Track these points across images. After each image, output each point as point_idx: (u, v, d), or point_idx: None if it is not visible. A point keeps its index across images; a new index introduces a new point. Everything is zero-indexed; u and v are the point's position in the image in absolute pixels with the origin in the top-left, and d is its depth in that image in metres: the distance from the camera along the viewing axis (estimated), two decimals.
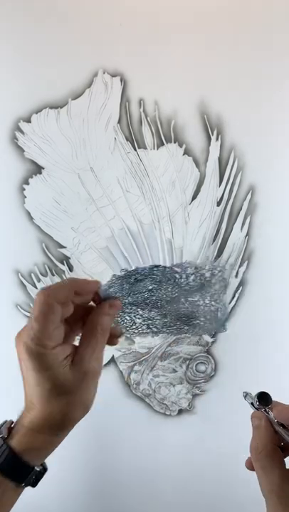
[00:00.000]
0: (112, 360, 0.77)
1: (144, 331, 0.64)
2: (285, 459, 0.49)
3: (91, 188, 0.75)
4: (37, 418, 0.49)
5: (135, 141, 0.75)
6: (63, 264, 0.76)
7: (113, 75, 0.75)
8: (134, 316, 0.62)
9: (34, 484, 0.51)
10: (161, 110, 0.75)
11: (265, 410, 0.50)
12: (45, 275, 0.77)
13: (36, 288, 0.77)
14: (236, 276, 0.76)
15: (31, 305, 0.77)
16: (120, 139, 0.75)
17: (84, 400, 0.51)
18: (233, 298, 0.76)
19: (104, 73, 0.75)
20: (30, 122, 0.75)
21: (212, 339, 0.76)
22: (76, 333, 0.55)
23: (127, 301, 0.60)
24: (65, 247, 0.76)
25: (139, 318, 0.62)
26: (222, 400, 0.77)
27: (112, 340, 0.58)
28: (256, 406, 0.51)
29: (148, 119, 0.75)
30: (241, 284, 0.76)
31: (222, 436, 0.76)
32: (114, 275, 0.59)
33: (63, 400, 0.50)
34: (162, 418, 0.78)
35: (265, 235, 0.76)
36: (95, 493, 0.79)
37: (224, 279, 0.68)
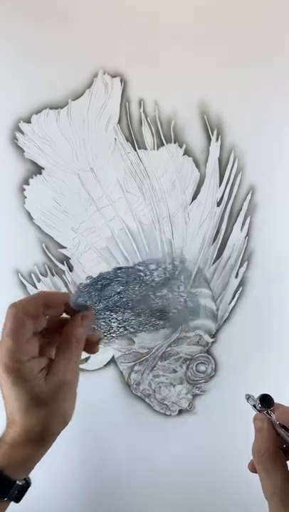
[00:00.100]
0: (112, 360, 0.77)
1: (122, 334, 0.64)
2: (288, 462, 0.50)
3: (91, 189, 0.75)
4: (17, 432, 0.50)
5: (135, 142, 0.75)
6: (63, 265, 0.76)
7: (113, 76, 0.75)
8: (110, 321, 0.62)
9: (17, 499, 0.51)
10: (161, 110, 0.75)
11: (267, 412, 0.50)
12: (45, 275, 0.77)
13: (36, 288, 0.77)
14: (236, 276, 0.76)
15: None
16: (120, 140, 0.75)
17: (61, 412, 0.52)
18: (233, 298, 0.76)
19: (104, 74, 0.75)
20: (30, 123, 0.75)
21: (212, 339, 0.77)
22: (53, 345, 0.56)
23: (98, 307, 0.60)
24: (65, 248, 0.76)
25: (114, 322, 0.63)
26: (222, 400, 0.77)
27: (91, 348, 0.60)
28: (258, 408, 0.51)
29: (148, 119, 0.75)
30: (241, 284, 0.76)
31: (222, 436, 0.76)
32: (80, 284, 0.59)
33: (41, 411, 0.50)
34: (162, 418, 0.78)
35: (265, 236, 0.76)
36: (95, 493, 0.79)
37: (186, 268, 0.68)
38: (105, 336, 0.64)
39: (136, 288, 0.63)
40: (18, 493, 0.51)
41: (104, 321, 0.62)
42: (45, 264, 0.76)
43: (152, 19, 0.75)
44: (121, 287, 0.61)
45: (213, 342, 0.77)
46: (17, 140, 0.76)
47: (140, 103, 0.75)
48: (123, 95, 0.75)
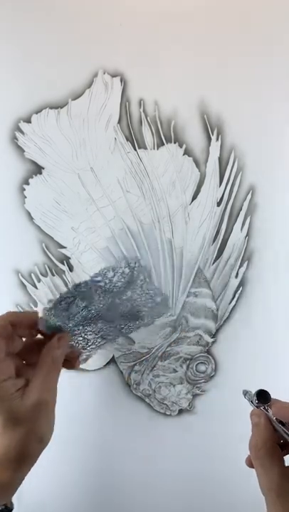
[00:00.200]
0: (113, 360, 0.78)
1: (102, 343, 0.66)
2: (285, 457, 0.51)
3: (91, 188, 0.77)
4: None
5: (135, 141, 0.77)
6: (63, 264, 0.78)
7: (113, 75, 0.76)
8: (85, 335, 0.64)
9: None
10: (161, 110, 0.77)
11: (264, 408, 0.52)
12: (45, 275, 0.78)
13: (36, 288, 0.78)
14: (236, 276, 0.78)
15: (31, 305, 0.79)
16: (120, 139, 0.77)
17: (38, 432, 0.54)
18: (233, 298, 0.78)
19: (104, 73, 0.76)
20: (30, 122, 0.77)
21: (212, 339, 0.78)
22: (32, 367, 0.59)
23: (70, 325, 0.62)
24: (65, 247, 0.78)
25: (90, 335, 0.65)
26: (222, 399, 0.78)
27: (72, 365, 0.64)
28: (255, 404, 0.53)
29: (148, 119, 0.77)
30: (241, 284, 0.78)
31: (222, 436, 0.78)
32: (44, 308, 0.61)
33: (18, 432, 0.52)
34: (162, 418, 0.79)
35: (265, 236, 0.78)
36: (94, 493, 0.80)
37: (144, 268, 0.70)
38: (85, 349, 0.66)
39: (100, 298, 0.65)
40: None
41: (80, 336, 0.64)
42: (46, 264, 0.78)
43: (152, 19, 0.76)
44: (85, 302, 0.63)
45: (213, 342, 0.78)
46: (17, 140, 0.77)
47: (140, 103, 0.77)
48: (123, 95, 0.77)
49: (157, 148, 0.77)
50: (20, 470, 0.53)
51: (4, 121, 0.78)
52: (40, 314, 0.62)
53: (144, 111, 0.77)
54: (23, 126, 0.77)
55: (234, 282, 0.78)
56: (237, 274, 0.78)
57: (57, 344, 0.60)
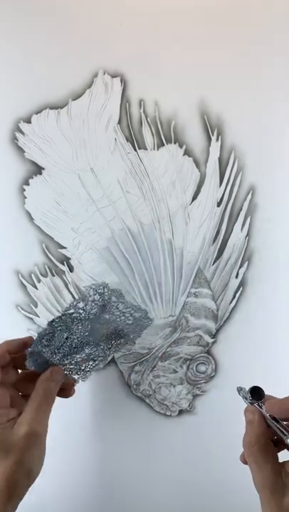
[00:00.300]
0: (113, 361, 0.80)
1: (94, 365, 0.69)
2: (279, 454, 0.54)
3: (91, 189, 0.79)
4: None
5: (135, 142, 0.79)
6: (64, 265, 0.80)
7: (113, 76, 0.79)
8: (76, 363, 0.67)
9: None
10: (161, 110, 0.79)
11: (258, 405, 0.55)
12: (45, 276, 0.80)
13: (36, 289, 0.80)
14: (237, 276, 0.80)
15: (31, 305, 0.81)
16: (120, 140, 0.79)
17: (26, 464, 0.55)
18: (233, 298, 0.80)
19: (104, 74, 0.79)
20: (30, 123, 0.79)
21: (212, 339, 0.81)
22: (27, 398, 0.61)
23: (58, 358, 0.65)
24: (65, 248, 0.80)
25: (81, 361, 0.68)
26: (222, 400, 0.80)
27: (66, 393, 0.66)
28: (249, 400, 0.55)
29: (148, 119, 0.79)
30: (241, 284, 0.80)
31: (222, 437, 0.79)
32: (27, 350, 0.64)
33: (6, 462, 0.54)
34: (163, 419, 0.81)
35: (266, 236, 0.80)
36: (94, 494, 0.82)
37: (113, 290, 0.73)
38: (79, 374, 0.68)
39: (79, 327, 0.67)
40: None
41: (72, 365, 0.67)
42: (46, 264, 0.80)
43: (152, 19, 0.79)
44: (65, 333, 0.66)
45: (213, 342, 0.81)
46: (17, 140, 0.80)
47: (140, 103, 0.79)
48: (123, 95, 0.79)
49: (157, 149, 0.79)
50: (10, 501, 0.54)
51: (4, 122, 0.80)
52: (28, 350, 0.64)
53: (144, 111, 0.79)
54: (23, 126, 0.80)
55: (234, 282, 0.81)
56: (237, 274, 0.80)
57: (50, 376, 0.62)
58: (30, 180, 0.80)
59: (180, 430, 0.82)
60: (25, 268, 0.81)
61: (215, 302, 0.81)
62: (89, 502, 0.82)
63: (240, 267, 0.81)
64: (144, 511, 0.82)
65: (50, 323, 0.67)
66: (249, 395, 0.56)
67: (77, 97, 0.80)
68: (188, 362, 0.81)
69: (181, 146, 0.80)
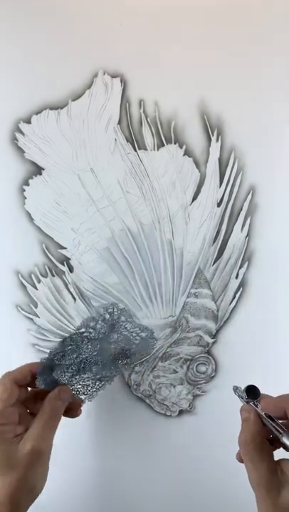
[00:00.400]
0: None
1: (101, 385, 0.71)
2: (274, 452, 0.56)
3: (91, 189, 0.81)
4: None
5: (135, 142, 0.81)
6: (64, 265, 0.82)
7: (113, 76, 0.81)
8: (84, 382, 0.70)
9: None
10: (161, 111, 0.81)
11: (254, 403, 0.57)
12: (45, 276, 0.82)
13: (36, 289, 0.82)
14: (237, 277, 0.82)
15: (31, 306, 0.82)
16: (120, 140, 0.81)
17: (29, 480, 0.57)
18: (233, 299, 0.82)
19: (104, 74, 0.81)
20: (30, 123, 0.81)
21: (213, 340, 0.82)
22: (34, 415, 0.64)
23: (66, 377, 0.68)
24: (65, 248, 0.82)
25: (88, 380, 0.70)
26: (222, 400, 0.82)
27: (73, 413, 0.69)
28: (245, 399, 0.57)
29: (148, 119, 0.81)
30: (242, 284, 0.82)
31: (222, 437, 0.80)
32: (38, 369, 0.67)
33: (10, 478, 0.55)
34: (163, 419, 0.83)
35: (266, 236, 0.82)
36: (94, 494, 0.83)
37: (122, 310, 0.75)
38: (86, 394, 0.71)
39: (89, 347, 0.70)
40: None
41: (79, 384, 0.70)
42: (46, 264, 0.82)
43: (152, 19, 0.81)
44: (75, 353, 0.69)
45: (213, 342, 0.82)
46: (17, 141, 0.82)
47: (140, 103, 0.81)
48: (123, 96, 0.81)
49: (157, 149, 0.81)
50: None
51: (4, 122, 0.82)
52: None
53: (144, 111, 0.81)
54: (23, 126, 0.82)
55: (234, 283, 0.82)
56: (237, 274, 0.82)
57: (58, 395, 0.65)
58: (30, 181, 0.82)
59: (180, 430, 0.83)
60: (25, 268, 0.83)
61: (215, 302, 0.82)
62: (89, 502, 0.83)
63: (240, 268, 0.82)
64: (144, 511, 0.83)
65: (62, 342, 0.70)
66: (245, 394, 0.58)
67: (77, 97, 0.81)
68: (188, 362, 0.83)
69: (181, 147, 0.81)
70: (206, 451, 0.83)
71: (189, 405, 0.83)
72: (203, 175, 0.82)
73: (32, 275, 0.83)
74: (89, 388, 0.70)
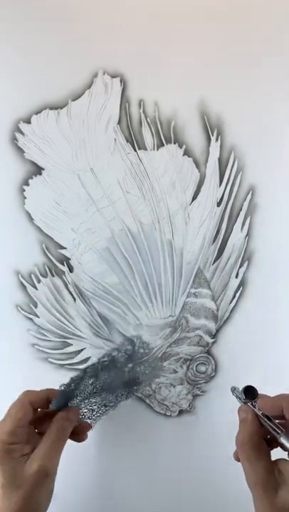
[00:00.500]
0: None
1: (105, 411, 0.73)
2: (272, 452, 0.57)
3: (91, 189, 0.82)
4: None
5: (135, 142, 0.82)
6: (63, 265, 0.83)
7: (113, 76, 0.82)
8: (91, 406, 0.71)
9: None
10: (161, 111, 0.82)
11: (251, 404, 0.58)
12: (45, 276, 0.83)
13: (36, 289, 0.83)
14: (236, 276, 0.83)
15: (31, 306, 0.83)
16: (120, 140, 0.82)
17: (34, 500, 0.58)
18: (233, 298, 0.83)
19: (104, 74, 0.82)
20: (30, 123, 0.82)
21: (212, 340, 0.83)
22: (42, 435, 0.65)
23: (77, 400, 0.69)
24: (65, 248, 0.83)
25: (95, 405, 0.72)
26: (222, 400, 0.83)
27: (79, 438, 0.70)
28: (243, 400, 0.58)
29: (148, 119, 0.82)
30: (241, 284, 0.83)
31: (222, 437, 0.80)
32: (57, 391, 0.68)
33: (16, 497, 0.57)
34: (163, 419, 0.84)
35: (266, 236, 0.83)
36: (94, 494, 0.84)
37: (145, 343, 0.77)
38: (91, 418, 0.72)
39: (106, 374, 0.72)
40: None
41: (86, 408, 0.71)
42: (46, 264, 0.83)
43: (152, 19, 0.82)
44: (92, 379, 0.71)
45: (213, 342, 0.83)
46: (17, 141, 0.83)
47: (140, 103, 0.82)
48: (123, 96, 0.82)
49: (157, 149, 0.82)
50: None
51: (4, 122, 0.83)
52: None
53: (144, 111, 0.82)
54: (23, 126, 0.83)
55: (234, 282, 0.83)
56: (237, 274, 0.83)
57: (66, 416, 0.66)
58: (30, 181, 0.83)
59: (180, 430, 0.84)
60: (25, 268, 0.83)
61: (215, 302, 0.83)
62: (89, 502, 0.84)
63: (240, 267, 0.83)
64: (144, 511, 0.84)
65: (84, 369, 0.71)
66: (243, 394, 0.59)
67: (77, 97, 0.82)
68: (188, 362, 0.84)
69: (180, 146, 0.82)
70: (206, 451, 0.84)
71: (189, 405, 0.84)
72: (203, 175, 0.83)
73: (32, 275, 0.83)
74: (94, 413, 0.72)
